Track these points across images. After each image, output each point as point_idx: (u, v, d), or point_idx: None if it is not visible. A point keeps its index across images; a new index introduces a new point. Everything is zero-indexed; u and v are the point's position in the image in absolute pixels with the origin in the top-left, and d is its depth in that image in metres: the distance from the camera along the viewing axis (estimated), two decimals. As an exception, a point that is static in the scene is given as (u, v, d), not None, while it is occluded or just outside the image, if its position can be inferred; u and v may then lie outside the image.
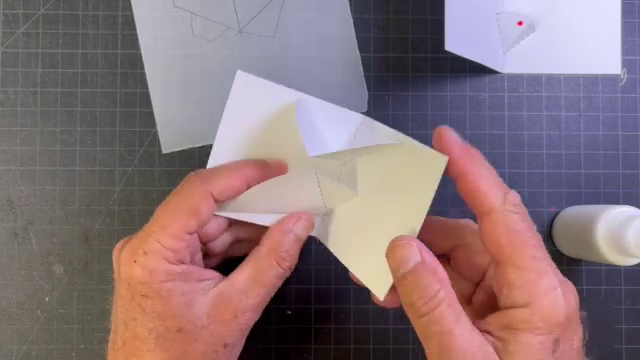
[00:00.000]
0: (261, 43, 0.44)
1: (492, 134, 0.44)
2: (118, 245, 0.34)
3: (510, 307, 0.28)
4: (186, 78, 0.43)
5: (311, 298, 0.43)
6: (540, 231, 0.43)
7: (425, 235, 0.31)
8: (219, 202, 0.33)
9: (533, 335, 0.27)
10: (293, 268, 0.34)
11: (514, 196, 0.29)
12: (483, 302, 0.32)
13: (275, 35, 0.44)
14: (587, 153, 0.44)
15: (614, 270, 0.43)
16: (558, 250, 0.43)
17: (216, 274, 0.34)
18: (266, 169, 0.35)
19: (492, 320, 0.29)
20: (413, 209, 0.31)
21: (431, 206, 0.31)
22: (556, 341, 0.27)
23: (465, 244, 0.33)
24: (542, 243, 0.29)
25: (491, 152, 0.44)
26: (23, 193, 0.42)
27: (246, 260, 0.34)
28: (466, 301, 0.33)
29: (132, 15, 0.43)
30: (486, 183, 0.29)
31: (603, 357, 0.42)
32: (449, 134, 0.30)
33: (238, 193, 0.34)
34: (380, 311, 0.42)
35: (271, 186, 0.35)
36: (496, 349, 0.28)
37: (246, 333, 0.34)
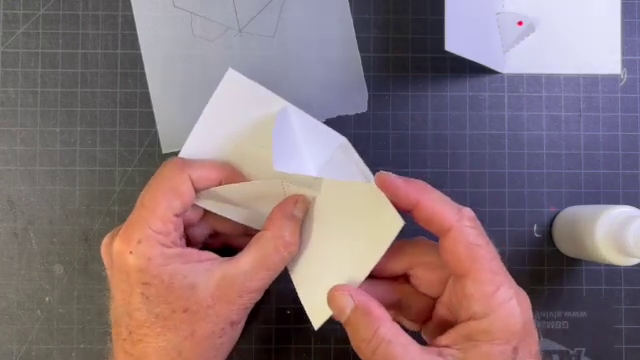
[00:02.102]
0: (261, 43, 0.44)
1: (492, 134, 0.44)
2: (105, 240, 0.34)
3: (470, 319, 0.30)
4: (186, 78, 0.43)
5: (311, 298, 0.43)
6: (540, 231, 0.43)
7: (383, 257, 0.32)
8: (196, 190, 0.34)
9: (493, 345, 0.29)
10: (296, 252, 0.35)
11: (468, 211, 0.31)
12: (443, 316, 0.33)
13: (275, 35, 0.44)
14: (587, 153, 0.44)
15: (614, 270, 0.43)
16: (558, 250, 0.43)
17: (214, 255, 0.34)
18: (239, 175, 0.36)
19: (452, 333, 0.30)
20: (363, 258, 0.33)
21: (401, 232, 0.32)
22: (515, 349, 0.29)
23: (422, 262, 0.34)
24: (497, 255, 0.31)
25: (491, 152, 0.44)
26: (23, 193, 0.42)
27: (251, 243, 0.35)
28: (426, 316, 0.35)
29: (132, 15, 0.43)
30: (439, 204, 0.31)
31: (603, 357, 0.42)
32: (389, 178, 0.32)
33: (212, 185, 0.35)
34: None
35: (242, 189, 0.36)
36: None
37: (249, 311, 0.35)
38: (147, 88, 0.43)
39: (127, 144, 0.43)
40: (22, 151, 0.43)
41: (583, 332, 0.42)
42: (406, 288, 0.35)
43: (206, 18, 0.44)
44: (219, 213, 0.36)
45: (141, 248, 0.32)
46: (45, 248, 0.42)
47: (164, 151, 0.43)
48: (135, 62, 0.43)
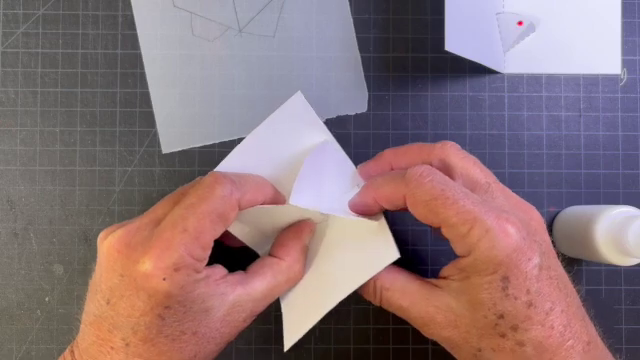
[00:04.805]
0: (261, 43, 0.44)
1: (492, 134, 0.44)
2: (109, 238, 0.32)
3: (458, 257, 0.31)
4: (186, 78, 0.43)
5: (311, 298, 0.43)
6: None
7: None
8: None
9: (480, 277, 0.30)
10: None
11: (415, 170, 0.32)
12: None
13: (275, 35, 0.44)
14: (587, 153, 0.44)
15: (614, 270, 0.43)
16: (558, 250, 0.43)
17: (224, 270, 0.34)
18: (279, 197, 0.36)
19: (451, 266, 0.32)
20: (348, 279, 0.34)
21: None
22: (505, 278, 0.29)
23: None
24: (462, 190, 0.31)
25: (491, 152, 0.44)
26: (23, 193, 0.42)
27: (265, 269, 0.35)
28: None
29: (132, 15, 0.43)
30: (385, 188, 0.33)
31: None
32: (355, 207, 0.35)
33: (252, 206, 0.34)
34: (380, 311, 0.42)
35: (268, 212, 0.36)
36: (453, 290, 0.31)
37: None
38: (147, 88, 0.43)
39: (127, 144, 0.43)
40: (22, 151, 0.43)
41: (583, 332, 0.42)
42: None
43: (206, 18, 0.44)
44: (239, 237, 0.36)
45: (177, 277, 0.30)
46: (45, 248, 0.42)
47: (164, 151, 0.43)
48: (135, 62, 0.43)
